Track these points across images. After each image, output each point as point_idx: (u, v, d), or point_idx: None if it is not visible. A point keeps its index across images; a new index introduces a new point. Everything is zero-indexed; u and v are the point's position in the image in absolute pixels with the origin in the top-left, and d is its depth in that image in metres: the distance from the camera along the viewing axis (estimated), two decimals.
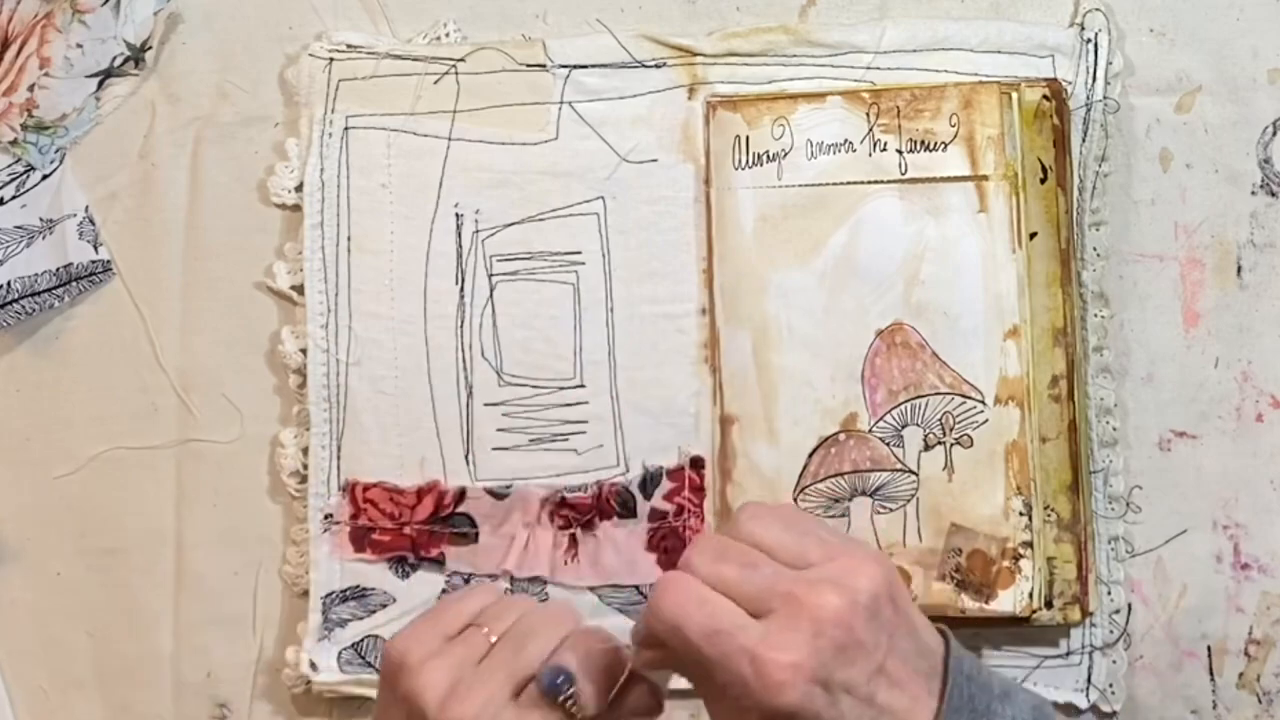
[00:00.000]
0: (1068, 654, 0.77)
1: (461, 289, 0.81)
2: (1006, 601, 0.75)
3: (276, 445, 0.83)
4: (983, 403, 0.76)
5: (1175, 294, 0.78)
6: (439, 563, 0.80)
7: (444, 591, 0.80)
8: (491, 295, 0.81)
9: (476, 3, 0.83)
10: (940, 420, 0.76)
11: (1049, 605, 0.75)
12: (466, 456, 0.81)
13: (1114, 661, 0.77)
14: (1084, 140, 0.78)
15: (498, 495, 0.80)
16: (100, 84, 0.85)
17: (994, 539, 0.75)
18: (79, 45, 0.85)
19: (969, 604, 0.75)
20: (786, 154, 0.78)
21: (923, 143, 0.77)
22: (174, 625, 0.84)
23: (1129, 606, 0.78)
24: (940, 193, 0.77)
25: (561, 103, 0.81)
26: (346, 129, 0.82)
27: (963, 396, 0.76)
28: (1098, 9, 0.79)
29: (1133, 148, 0.79)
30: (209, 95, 0.85)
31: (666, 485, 0.80)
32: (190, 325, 0.84)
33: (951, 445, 0.76)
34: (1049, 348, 0.77)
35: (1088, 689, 0.77)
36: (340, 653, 0.81)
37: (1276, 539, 0.77)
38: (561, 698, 0.58)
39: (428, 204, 0.81)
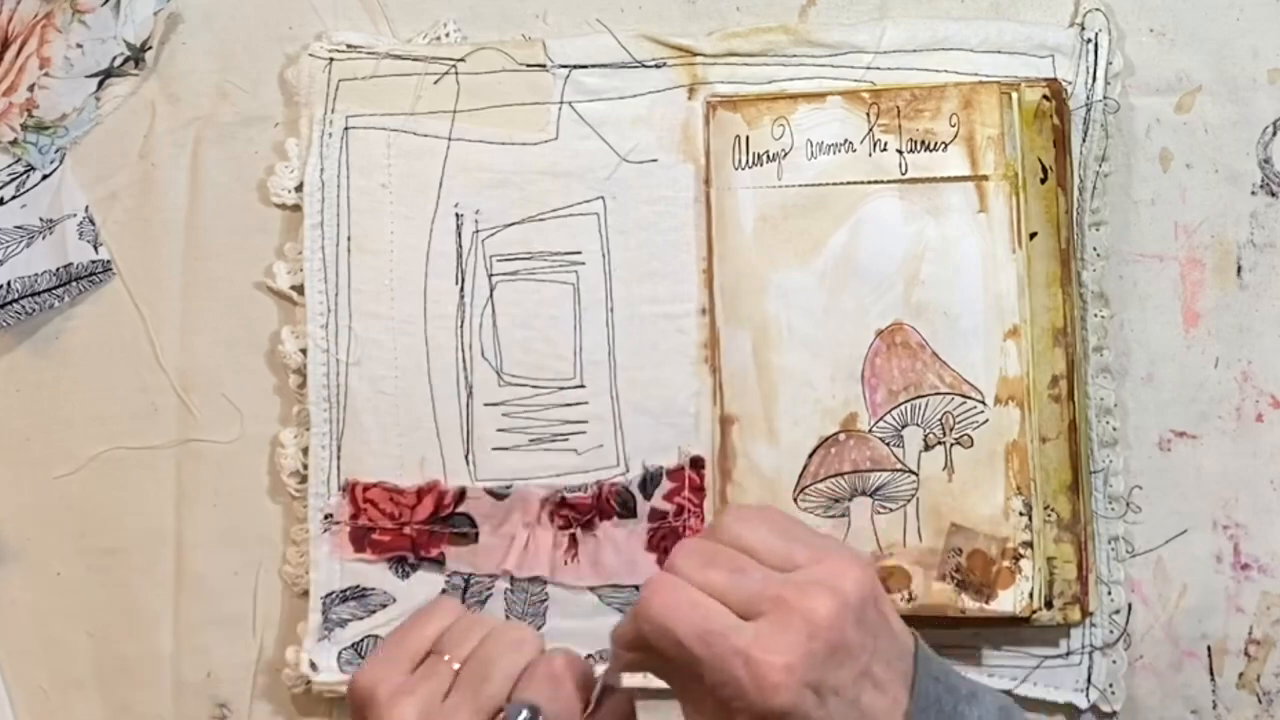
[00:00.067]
0: (1068, 654, 0.77)
1: (461, 289, 0.81)
2: (1006, 601, 0.75)
3: (276, 445, 0.83)
4: (983, 403, 0.76)
5: (1175, 294, 0.78)
6: (439, 563, 0.80)
7: (443, 592, 0.80)
8: (491, 295, 0.81)
9: (476, 3, 0.83)
10: (940, 420, 0.76)
11: (1049, 605, 0.75)
12: (466, 456, 0.81)
13: (1114, 661, 0.77)
14: (1084, 140, 0.78)
15: (498, 495, 0.80)
16: (100, 84, 0.85)
17: (994, 539, 0.75)
18: (79, 45, 0.85)
19: (969, 604, 0.75)
20: (786, 154, 0.78)
21: (923, 143, 0.77)
22: (174, 625, 0.84)
23: (1129, 606, 0.78)
24: (940, 193, 0.77)
25: (561, 103, 0.81)
26: (346, 129, 0.82)
27: (963, 396, 0.76)
28: (1098, 9, 0.79)
29: (1133, 148, 0.79)
30: (209, 95, 0.85)
31: (666, 485, 0.80)
32: (190, 325, 0.84)
33: (951, 445, 0.76)
34: (1049, 348, 0.77)
35: (1088, 689, 0.77)
36: (340, 653, 0.81)
37: (1276, 539, 0.77)
38: None
39: (428, 204, 0.81)
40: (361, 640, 0.81)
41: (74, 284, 0.85)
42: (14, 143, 0.85)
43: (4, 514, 0.86)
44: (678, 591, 0.56)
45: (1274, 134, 0.78)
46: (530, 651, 0.60)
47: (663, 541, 0.79)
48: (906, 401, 0.76)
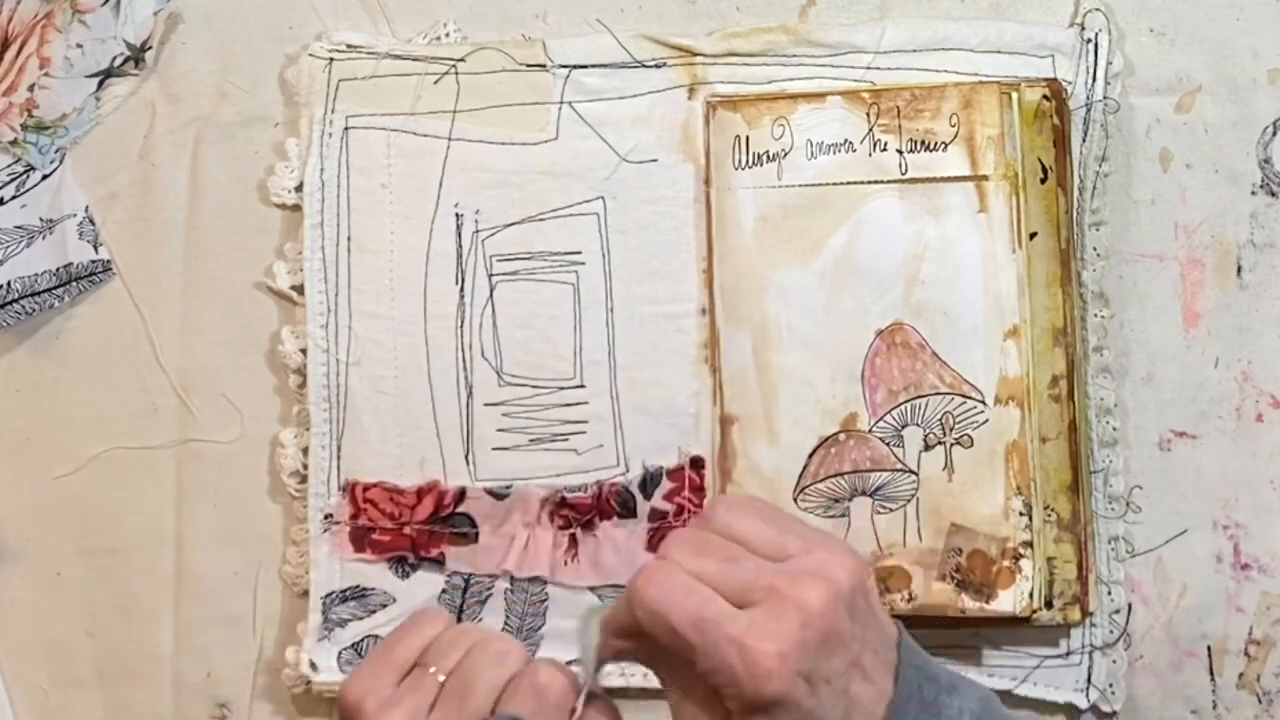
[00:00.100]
0: (1068, 654, 0.77)
1: (461, 289, 0.81)
2: (1006, 601, 0.75)
3: (276, 445, 0.83)
4: (983, 403, 0.76)
5: (1175, 294, 0.78)
6: (439, 563, 0.80)
7: (443, 592, 0.80)
8: (491, 295, 0.81)
9: (476, 3, 0.83)
10: (940, 420, 0.76)
11: (1049, 605, 0.75)
12: (466, 456, 0.81)
13: (1114, 661, 0.77)
14: (1084, 140, 0.78)
15: (498, 495, 0.80)
16: (100, 84, 0.85)
17: (994, 539, 0.75)
18: (79, 45, 0.85)
19: (969, 604, 0.75)
20: (786, 154, 0.78)
21: (923, 143, 0.77)
22: (174, 625, 0.84)
23: (1129, 606, 0.78)
24: (940, 193, 0.77)
25: (561, 103, 0.81)
26: (346, 129, 0.82)
27: (963, 396, 0.76)
28: (1098, 9, 0.79)
29: (1133, 148, 0.79)
30: (209, 95, 0.85)
31: (666, 485, 0.80)
32: (190, 325, 0.84)
33: (951, 445, 0.76)
34: (1049, 348, 0.77)
35: (1088, 689, 0.77)
36: (340, 653, 0.81)
37: (1276, 539, 0.77)
38: None
39: (428, 204, 0.81)
40: (361, 640, 0.81)
41: (74, 284, 0.85)
42: (14, 143, 0.85)
43: (4, 514, 0.86)
44: (672, 578, 0.56)
45: (1274, 134, 0.78)
46: (514, 664, 0.61)
47: (663, 542, 0.79)
48: (906, 401, 0.76)
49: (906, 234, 0.77)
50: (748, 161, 0.79)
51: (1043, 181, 0.77)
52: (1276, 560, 0.77)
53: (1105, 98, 0.78)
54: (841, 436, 0.77)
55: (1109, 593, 0.77)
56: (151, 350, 0.84)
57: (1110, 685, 0.77)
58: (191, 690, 0.84)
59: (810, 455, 0.77)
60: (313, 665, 0.81)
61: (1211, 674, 0.78)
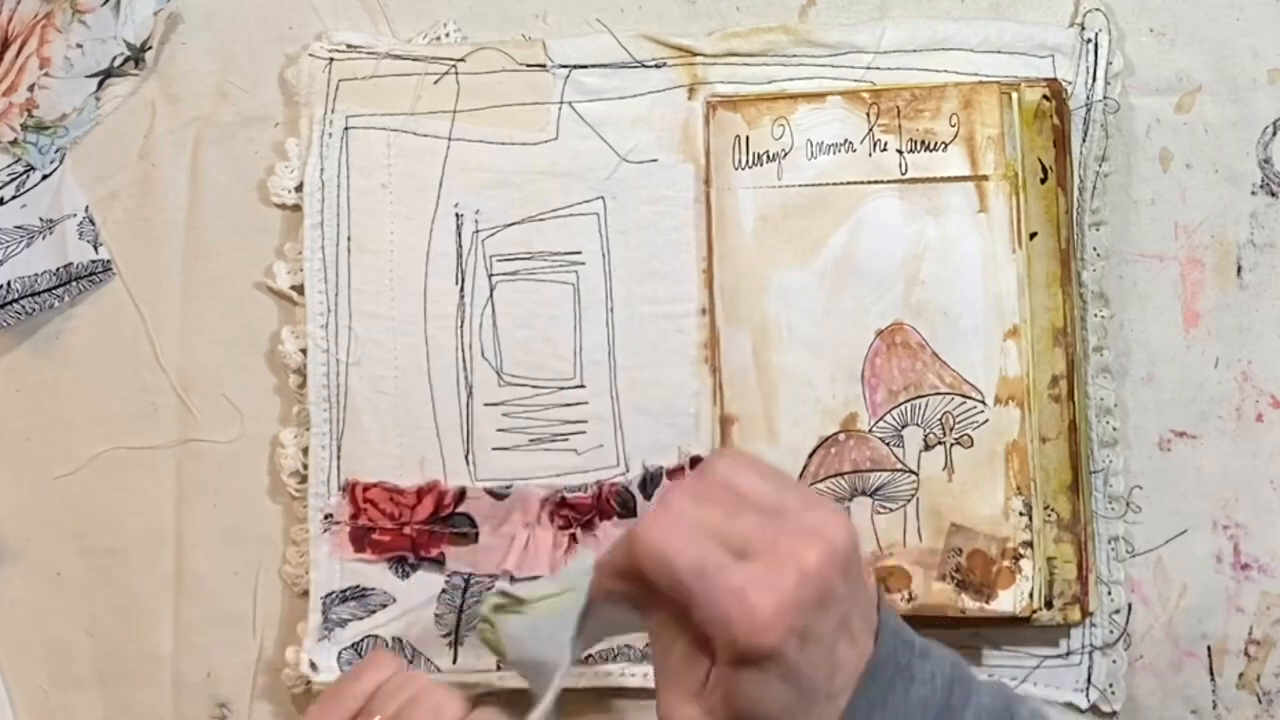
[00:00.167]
0: (1068, 654, 0.78)
1: (461, 289, 0.81)
2: (1006, 601, 0.75)
3: (276, 445, 0.83)
4: (983, 403, 0.76)
5: (1175, 294, 0.78)
6: (439, 563, 0.80)
7: (443, 592, 0.80)
8: (491, 295, 0.81)
9: (476, 3, 0.83)
10: (940, 420, 0.76)
11: (1049, 605, 0.75)
12: (466, 456, 0.81)
13: (1114, 661, 0.77)
14: (1084, 140, 0.78)
15: (498, 495, 0.80)
16: (100, 84, 0.85)
17: (994, 539, 0.75)
18: (79, 45, 0.85)
19: (969, 604, 0.75)
20: (786, 154, 0.78)
21: (923, 143, 0.77)
22: (174, 625, 0.84)
23: (1129, 606, 0.78)
24: (940, 193, 0.77)
25: (561, 103, 0.81)
26: (346, 129, 0.82)
27: (963, 396, 0.76)
28: (1098, 9, 0.79)
29: (1133, 148, 0.79)
30: (209, 95, 0.85)
31: (666, 485, 0.80)
32: (190, 325, 0.84)
33: (951, 445, 0.76)
34: (1049, 348, 0.77)
35: (1088, 689, 0.77)
36: (340, 653, 0.81)
37: (1276, 539, 0.77)
38: None
39: (428, 204, 0.81)
40: (361, 640, 0.81)
41: (74, 284, 0.85)
42: (14, 143, 0.85)
43: (4, 514, 0.86)
44: (675, 524, 0.56)
45: (1274, 134, 0.78)
46: (450, 717, 0.61)
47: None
48: (906, 401, 0.77)
49: (906, 234, 0.77)
50: (748, 161, 0.79)
51: (1043, 181, 0.77)
52: (1276, 560, 0.77)
53: (1105, 98, 0.78)
54: (841, 436, 0.77)
55: (1109, 593, 0.77)
56: (151, 350, 0.84)
57: (1110, 685, 0.77)
58: (191, 690, 0.84)
59: (810, 455, 0.77)
60: (313, 665, 0.81)
61: (1211, 674, 0.78)
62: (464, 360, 0.81)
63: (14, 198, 0.85)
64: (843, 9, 0.81)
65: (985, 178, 0.76)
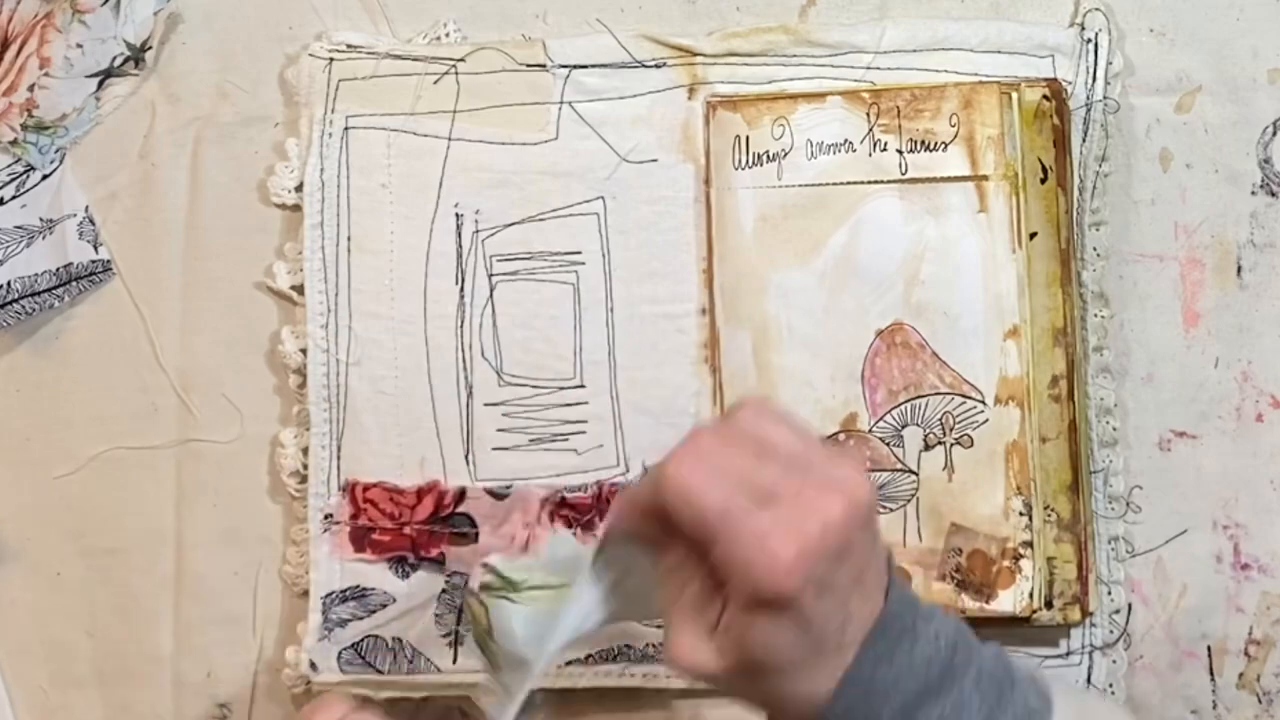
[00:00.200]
0: (1068, 654, 0.78)
1: (461, 289, 0.81)
2: (1006, 601, 0.75)
3: (276, 445, 0.83)
4: (983, 403, 0.76)
5: (1175, 294, 0.78)
6: (439, 563, 0.80)
7: (443, 592, 0.80)
8: (491, 295, 0.81)
9: (476, 3, 0.83)
10: (940, 420, 0.76)
11: (1049, 605, 0.75)
12: (466, 456, 0.81)
13: (1114, 661, 0.77)
14: (1084, 140, 0.78)
15: (498, 495, 0.80)
16: (100, 84, 0.85)
17: (994, 539, 0.75)
18: (79, 45, 0.85)
19: (969, 604, 0.75)
20: (786, 154, 0.78)
21: (923, 143, 0.77)
22: (174, 625, 0.84)
23: (1129, 606, 0.78)
24: (940, 193, 0.77)
25: (561, 103, 0.81)
26: (346, 129, 0.82)
27: (963, 396, 0.76)
28: (1098, 9, 0.79)
29: (1133, 148, 0.79)
30: (209, 95, 0.85)
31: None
32: (190, 325, 0.84)
33: (951, 445, 0.76)
34: (1049, 348, 0.77)
35: (1088, 689, 0.77)
36: (340, 653, 0.81)
37: (1276, 539, 0.77)
38: None
39: (428, 204, 0.81)
40: (361, 640, 0.81)
41: (74, 284, 0.85)
42: (14, 143, 0.85)
43: (4, 514, 0.86)
44: (704, 463, 0.56)
45: (1274, 134, 0.78)
46: None
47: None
48: (906, 401, 0.77)
49: (906, 234, 0.77)
50: (748, 161, 0.79)
51: (1043, 181, 0.77)
52: (1276, 560, 0.77)
53: (1105, 98, 0.78)
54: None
55: (1109, 593, 0.77)
56: (151, 350, 0.84)
57: (1110, 685, 0.77)
58: (191, 690, 0.84)
59: None
60: (313, 665, 0.81)
61: (1211, 674, 0.78)
62: (464, 360, 0.81)
63: (14, 198, 0.85)
64: (843, 9, 0.81)
65: (985, 178, 0.76)
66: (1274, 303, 0.78)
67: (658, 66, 0.81)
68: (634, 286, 0.80)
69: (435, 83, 0.82)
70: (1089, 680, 0.77)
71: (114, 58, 0.85)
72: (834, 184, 0.78)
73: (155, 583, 0.84)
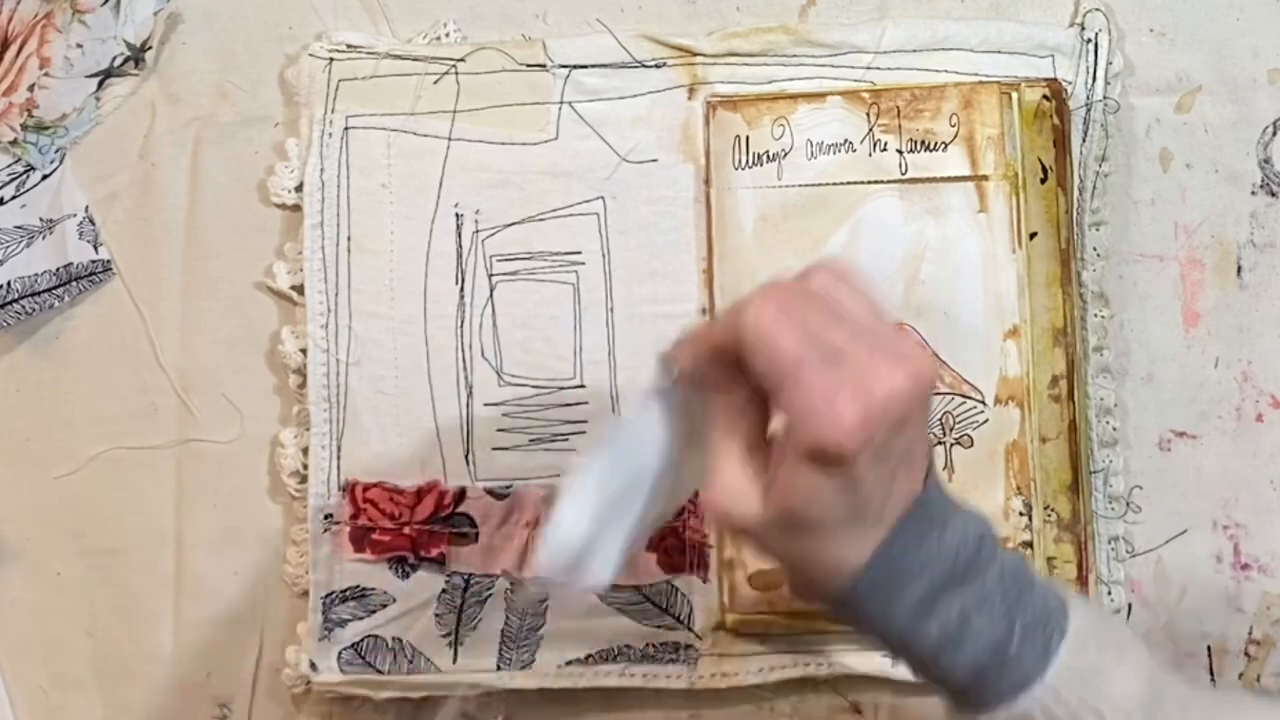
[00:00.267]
0: None
1: (461, 289, 0.81)
2: None
3: (276, 445, 0.83)
4: (983, 403, 0.76)
5: (1175, 294, 0.78)
6: (439, 563, 0.80)
7: (443, 592, 0.80)
8: (491, 295, 0.81)
9: (476, 3, 0.83)
10: (940, 420, 0.76)
11: None
12: (466, 456, 0.81)
13: None
14: (1084, 140, 0.78)
15: (498, 495, 0.80)
16: (100, 84, 0.85)
17: None
18: (79, 45, 0.85)
19: None
20: (786, 154, 0.78)
21: (923, 143, 0.77)
22: (174, 625, 0.84)
23: (1129, 607, 0.78)
24: (940, 193, 0.77)
25: (561, 103, 0.81)
26: (346, 129, 0.82)
27: (963, 396, 0.76)
28: (1098, 9, 0.79)
29: (1133, 148, 0.79)
30: (209, 95, 0.85)
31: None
32: (190, 325, 0.84)
33: (951, 445, 0.76)
34: (1049, 348, 0.77)
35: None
36: (340, 653, 0.81)
37: (1276, 539, 0.77)
38: None
39: (428, 204, 0.81)
40: (361, 640, 0.81)
41: (74, 284, 0.85)
42: (14, 143, 0.85)
43: (4, 514, 0.86)
44: (786, 310, 0.56)
45: (1274, 134, 0.78)
46: None
47: (663, 542, 0.79)
48: None
49: (906, 234, 0.77)
50: (748, 161, 0.79)
51: (1043, 181, 0.77)
52: (1276, 560, 0.77)
53: (1105, 98, 0.78)
54: None
55: (1109, 593, 0.77)
56: (151, 350, 0.84)
57: None
58: (191, 690, 0.83)
59: None
60: (313, 665, 0.81)
61: (1211, 674, 0.78)
62: (464, 360, 0.81)
63: (14, 198, 0.85)
64: (843, 9, 0.81)
65: (985, 178, 0.76)
66: (1274, 303, 0.78)
67: (658, 66, 0.81)
68: (634, 286, 0.80)
69: (435, 83, 0.82)
70: None
71: (114, 58, 0.85)
72: (834, 184, 0.78)
73: (155, 583, 0.84)
